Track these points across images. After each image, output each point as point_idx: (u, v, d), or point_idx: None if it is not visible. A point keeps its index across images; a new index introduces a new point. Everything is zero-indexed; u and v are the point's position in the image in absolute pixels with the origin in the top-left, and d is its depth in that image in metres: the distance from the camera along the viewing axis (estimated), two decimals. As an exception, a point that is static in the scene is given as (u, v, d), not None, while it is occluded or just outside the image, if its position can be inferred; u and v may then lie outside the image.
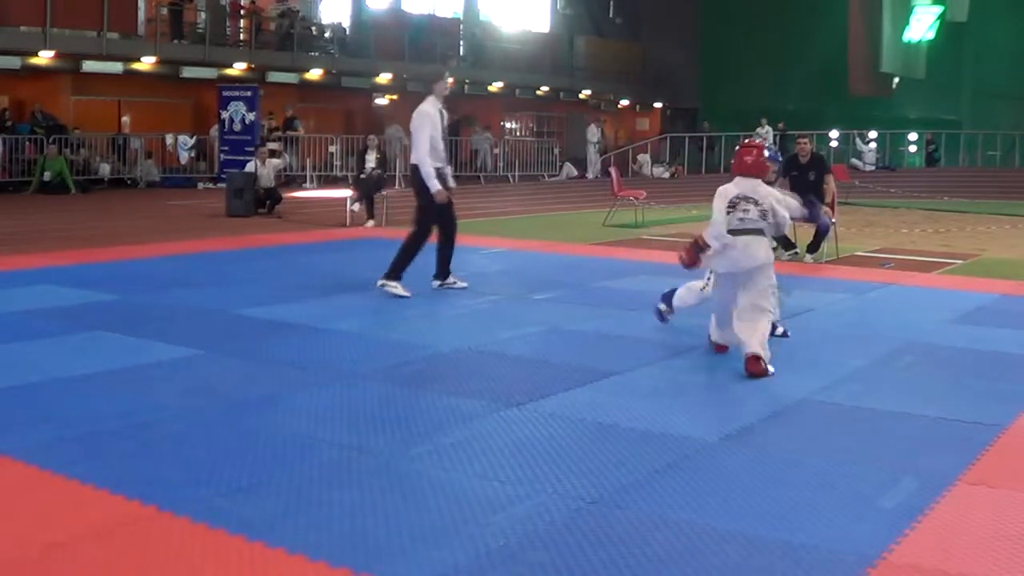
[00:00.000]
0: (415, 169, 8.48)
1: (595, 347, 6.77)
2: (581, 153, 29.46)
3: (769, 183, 6.57)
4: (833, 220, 11.69)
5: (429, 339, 6.87)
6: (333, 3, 28.28)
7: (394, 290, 8.38)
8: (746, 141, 6.83)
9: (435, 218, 8.59)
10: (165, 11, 21.94)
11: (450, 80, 8.75)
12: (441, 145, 8.54)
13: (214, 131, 21.86)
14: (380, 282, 8.45)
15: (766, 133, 26.93)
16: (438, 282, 8.87)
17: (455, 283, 8.88)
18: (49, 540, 3.44)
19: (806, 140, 12.19)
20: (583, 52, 33.77)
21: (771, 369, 5.98)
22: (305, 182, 22.14)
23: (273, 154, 18.24)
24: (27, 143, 19.46)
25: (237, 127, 21.43)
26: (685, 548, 3.51)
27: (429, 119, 8.40)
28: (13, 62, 19.89)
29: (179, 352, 6.27)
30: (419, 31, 27.41)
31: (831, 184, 11.75)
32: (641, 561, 3.39)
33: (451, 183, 8.77)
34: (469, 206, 18.36)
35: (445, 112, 8.66)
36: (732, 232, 6.24)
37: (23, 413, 4.90)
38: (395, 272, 8.44)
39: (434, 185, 8.37)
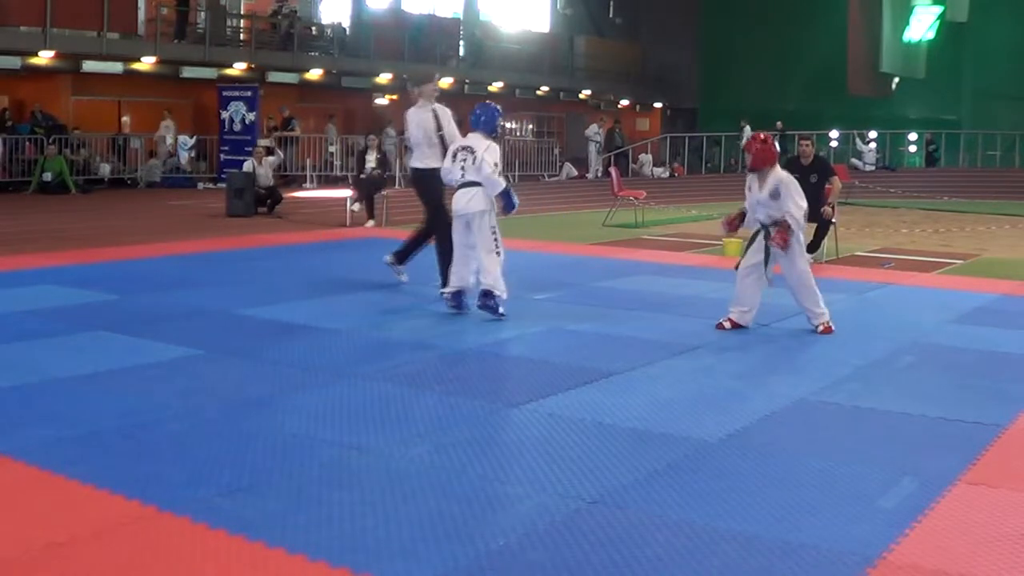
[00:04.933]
0: (413, 172, 8.77)
1: (595, 347, 6.77)
2: (581, 153, 29.42)
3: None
4: (834, 220, 11.68)
5: (429, 339, 6.87)
6: (333, 3, 28.27)
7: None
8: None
9: (440, 213, 8.48)
10: (165, 11, 21.94)
11: (438, 82, 8.93)
12: (432, 143, 8.31)
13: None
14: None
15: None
16: (392, 259, 9.00)
17: (401, 272, 9.08)
18: (49, 540, 3.43)
19: (809, 142, 11.83)
20: (583, 52, 33.77)
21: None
22: (305, 182, 22.14)
23: (269, 152, 18.22)
24: (27, 143, 19.44)
25: (237, 127, 21.42)
26: (685, 548, 3.51)
27: (409, 122, 8.56)
28: (13, 62, 19.88)
29: (179, 352, 6.27)
30: (419, 31, 27.41)
31: (836, 184, 11.66)
32: (641, 561, 3.39)
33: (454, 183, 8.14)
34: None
35: (440, 111, 8.41)
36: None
37: (23, 413, 4.90)
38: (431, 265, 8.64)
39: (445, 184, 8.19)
